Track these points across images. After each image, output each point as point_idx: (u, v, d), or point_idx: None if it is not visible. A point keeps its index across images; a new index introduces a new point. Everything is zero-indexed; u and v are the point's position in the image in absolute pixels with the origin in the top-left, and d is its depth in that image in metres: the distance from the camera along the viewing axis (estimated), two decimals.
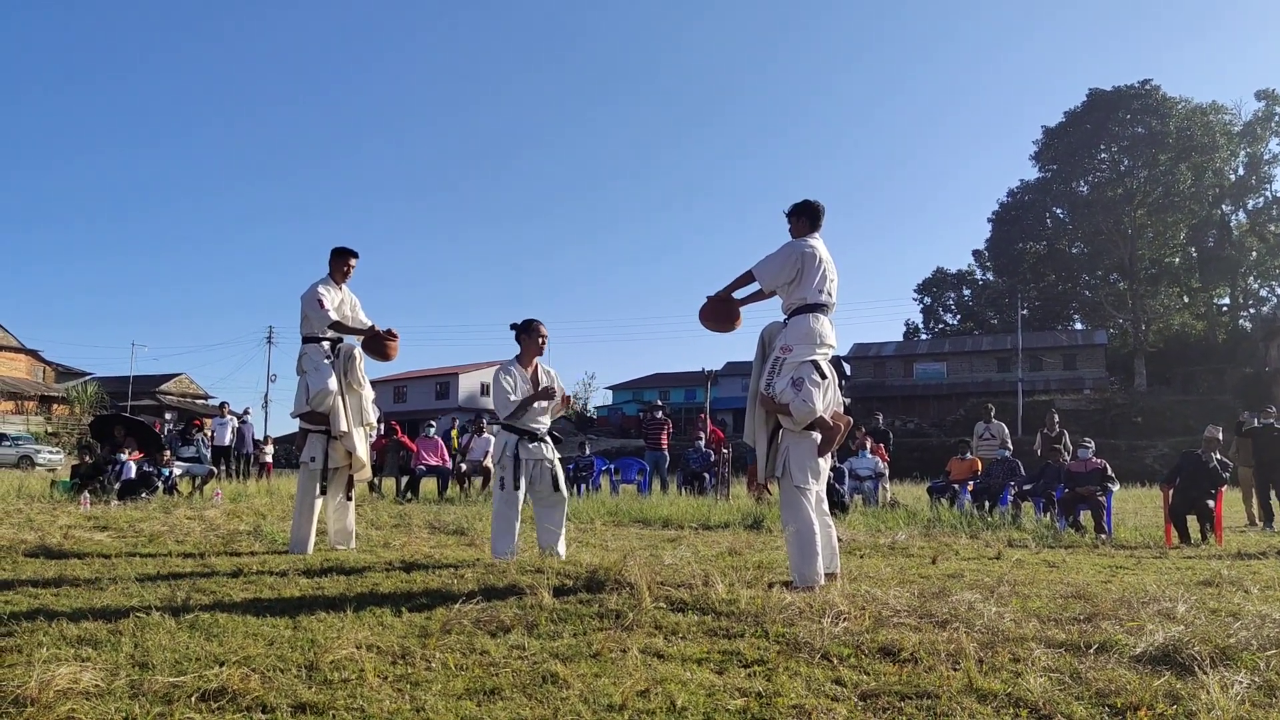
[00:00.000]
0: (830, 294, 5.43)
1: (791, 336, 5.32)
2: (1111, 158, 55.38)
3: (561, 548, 6.44)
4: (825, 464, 5.45)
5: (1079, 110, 55.59)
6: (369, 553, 6.69)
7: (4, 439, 37.06)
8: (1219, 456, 10.21)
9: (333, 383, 6.64)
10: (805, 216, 5.54)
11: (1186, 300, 60.32)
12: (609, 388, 69.24)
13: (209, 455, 14.55)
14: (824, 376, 5.29)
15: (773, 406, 5.32)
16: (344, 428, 6.69)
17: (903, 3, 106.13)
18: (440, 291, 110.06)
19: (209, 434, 16.42)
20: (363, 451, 6.88)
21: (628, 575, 4.89)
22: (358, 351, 6.88)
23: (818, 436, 5.29)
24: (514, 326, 6.61)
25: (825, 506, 5.49)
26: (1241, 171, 57.82)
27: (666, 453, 16.64)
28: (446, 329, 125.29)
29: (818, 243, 5.46)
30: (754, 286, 5.57)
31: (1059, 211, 59.18)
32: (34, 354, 57.20)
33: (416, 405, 59.99)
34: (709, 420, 17.09)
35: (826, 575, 5.25)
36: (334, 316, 6.74)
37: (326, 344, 6.81)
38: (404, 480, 14.35)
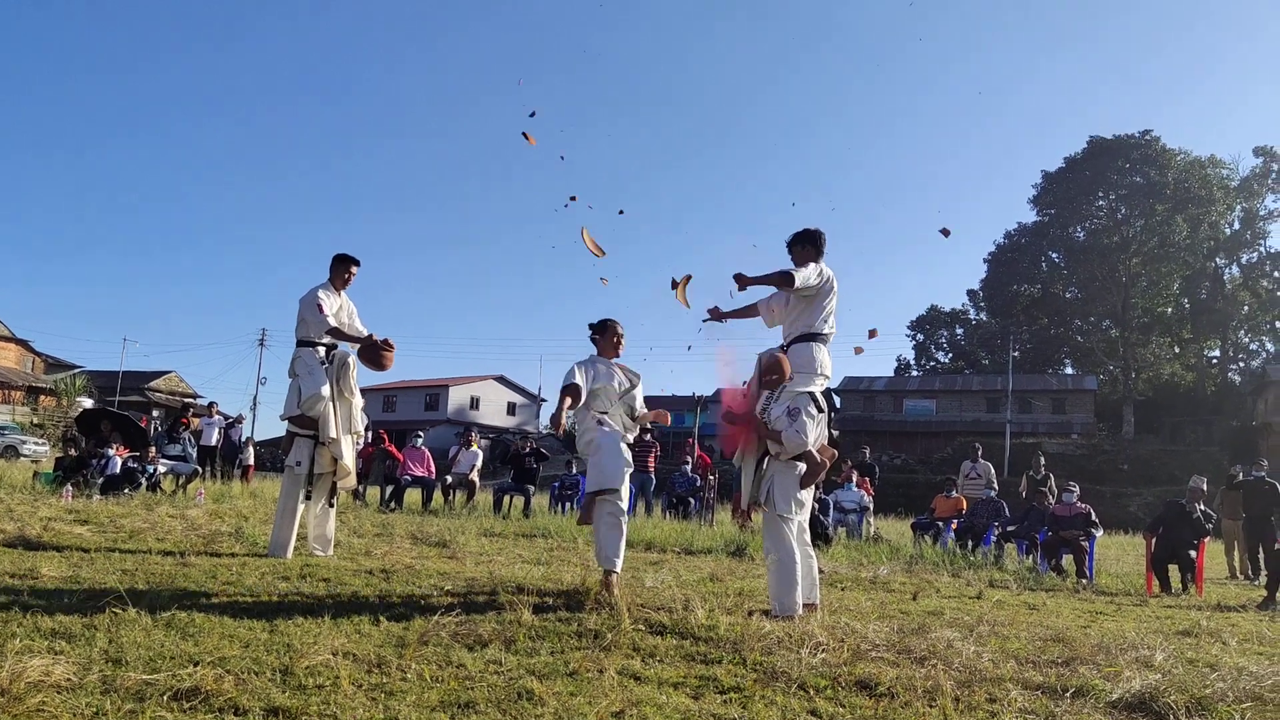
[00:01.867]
0: (833, 325, 5.45)
1: (793, 364, 5.31)
2: (1109, 205, 55.80)
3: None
4: (809, 495, 5.44)
5: (1079, 157, 56.04)
6: (349, 560, 6.66)
7: None
8: (1202, 507, 10.25)
9: (325, 389, 6.63)
10: (810, 244, 5.50)
11: (1177, 351, 60.68)
12: None
13: (195, 454, 14.47)
14: (820, 410, 5.30)
15: (765, 432, 5.32)
16: (333, 434, 6.67)
17: (906, 42, 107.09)
18: (433, 303, 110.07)
19: (194, 432, 16.34)
20: (349, 458, 6.85)
21: (609, 596, 4.88)
22: (352, 359, 6.87)
23: (803, 468, 5.29)
24: (591, 327, 6.00)
25: (807, 537, 5.47)
26: (1237, 226, 58.30)
27: (653, 475, 16.61)
28: (438, 340, 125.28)
29: (829, 271, 5.46)
30: (752, 297, 5.56)
31: (1055, 256, 59.54)
32: (24, 344, 56.86)
33: (405, 415, 59.79)
34: (696, 445, 17.09)
35: (806, 606, 5.24)
36: (332, 322, 6.73)
37: (322, 349, 6.80)
38: (389, 489, 14.29)
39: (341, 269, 7.00)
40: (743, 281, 5.24)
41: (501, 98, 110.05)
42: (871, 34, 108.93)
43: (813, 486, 5.42)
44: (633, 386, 5.85)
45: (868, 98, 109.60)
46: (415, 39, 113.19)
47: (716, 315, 5.76)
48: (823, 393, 5.39)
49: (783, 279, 5.20)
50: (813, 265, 5.33)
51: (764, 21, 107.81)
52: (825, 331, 5.39)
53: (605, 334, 5.90)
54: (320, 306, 6.69)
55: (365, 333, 6.97)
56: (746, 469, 5.53)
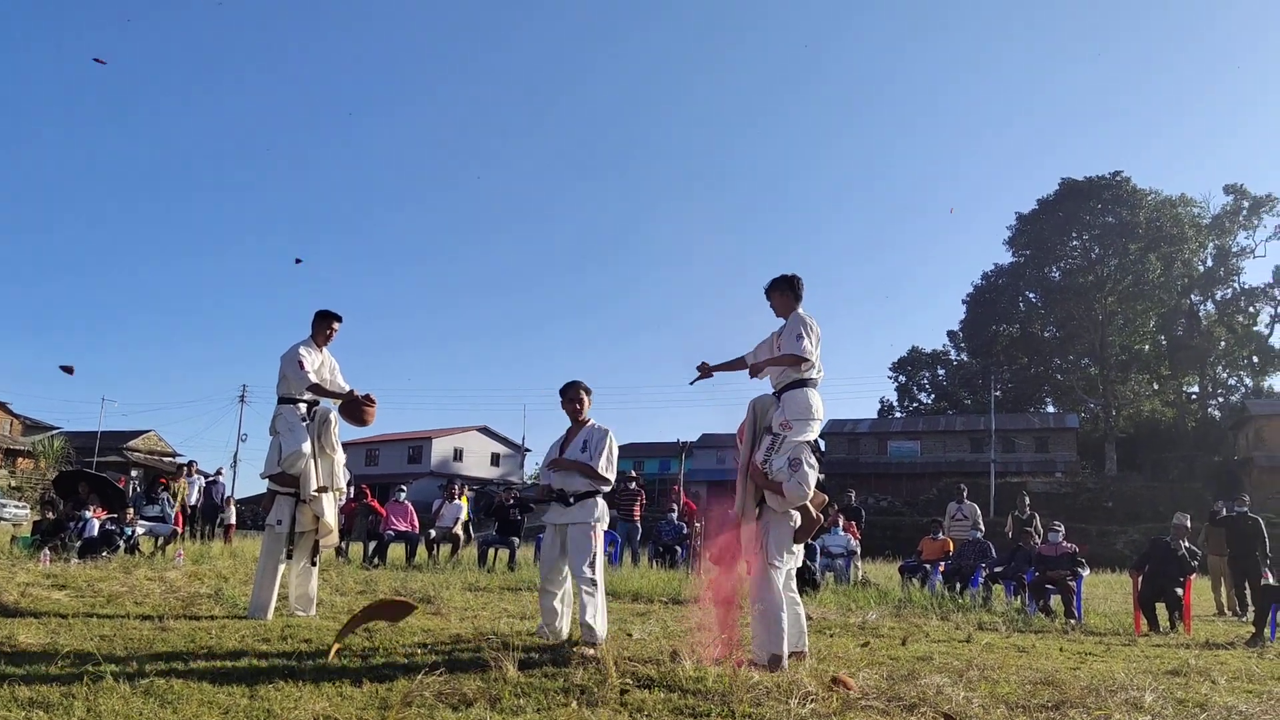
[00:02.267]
0: (821, 369, 5.48)
1: (791, 411, 5.33)
2: (1083, 245, 56.54)
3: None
4: (799, 546, 5.45)
5: (1051, 198, 56.85)
6: (332, 619, 6.57)
7: None
8: (1187, 544, 10.27)
9: (306, 445, 6.59)
10: (790, 291, 5.58)
11: (1156, 387, 61.19)
12: None
13: (173, 514, 14.30)
14: (819, 459, 5.33)
15: (765, 483, 5.30)
16: (314, 491, 6.62)
17: (882, 85, 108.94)
18: (415, 356, 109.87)
19: (177, 492, 16.16)
20: (330, 516, 6.79)
21: (594, 650, 4.83)
22: (334, 415, 6.85)
23: (797, 519, 5.29)
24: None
25: (794, 585, 5.46)
26: (1210, 263, 59.15)
27: (639, 524, 16.52)
28: (420, 392, 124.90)
29: (811, 316, 5.52)
30: (739, 350, 5.60)
31: (1032, 295, 60.22)
32: (1, 406, 56.32)
33: (388, 469, 59.39)
34: (682, 492, 17.04)
35: (794, 654, 5.20)
36: (313, 379, 6.71)
37: (303, 406, 6.77)
38: (371, 545, 14.14)
39: (323, 325, 6.99)
40: (755, 370, 5.50)
41: (477, 160, 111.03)
42: (843, 87, 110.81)
43: (806, 540, 5.43)
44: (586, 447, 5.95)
45: (846, 147, 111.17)
46: (401, 102, 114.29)
47: (705, 371, 5.80)
48: (819, 439, 5.44)
49: (795, 361, 5.35)
50: (806, 334, 5.38)
51: (727, 86, 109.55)
52: (814, 376, 5.44)
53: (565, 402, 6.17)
54: (301, 363, 6.68)
55: (347, 388, 6.95)
56: (747, 521, 5.49)
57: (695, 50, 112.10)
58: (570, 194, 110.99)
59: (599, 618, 5.65)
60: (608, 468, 5.88)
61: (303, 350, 6.77)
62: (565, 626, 5.96)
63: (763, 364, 5.46)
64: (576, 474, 5.88)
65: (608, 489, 5.92)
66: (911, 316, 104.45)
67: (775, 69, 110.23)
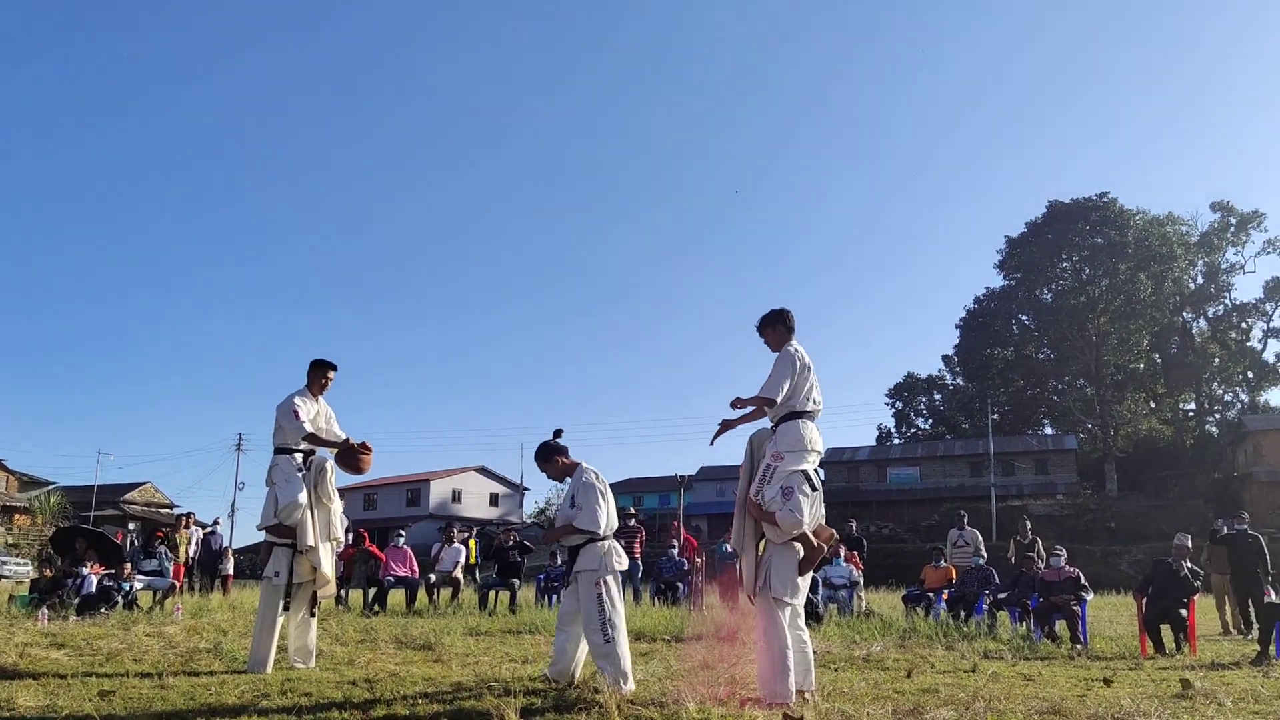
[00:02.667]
0: (816, 400, 5.49)
1: (783, 443, 5.34)
2: (1073, 267, 56.85)
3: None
4: (805, 581, 5.41)
5: (1039, 221, 57.23)
6: (332, 671, 6.53)
7: None
8: (1189, 565, 10.24)
9: (303, 496, 6.57)
10: (781, 325, 5.63)
11: (1153, 405, 61.25)
12: None
13: (170, 568, 14.21)
14: (814, 489, 5.31)
15: (759, 514, 5.30)
16: (310, 541, 6.59)
17: (874, 114, 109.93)
18: (410, 396, 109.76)
19: (177, 544, 16.05)
20: (328, 567, 6.76)
21: (597, 696, 4.80)
22: (330, 464, 6.83)
23: (801, 551, 5.26)
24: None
25: (801, 621, 5.43)
26: (1200, 280, 59.51)
27: (639, 561, 16.42)
28: (417, 435, 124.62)
29: (800, 347, 5.55)
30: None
31: (1025, 318, 60.45)
32: None
33: (387, 513, 59.11)
34: (682, 527, 16.95)
35: (799, 692, 5.15)
36: (309, 428, 6.70)
37: (299, 456, 6.76)
38: (371, 592, 14.05)
39: (319, 374, 7.00)
40: (727, 425, 5.55)
41: (464, 173, 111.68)
42: (842, 119, 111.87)
43: (810, 572, 5.40)
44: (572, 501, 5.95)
45: (846, 173, 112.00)
46: (385, 126, 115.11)
47: (726, 427, 5.72)
48: (815, 470, 5.41)
49: (764, 403, 5.39)
50: (779, 374, 5.41)
51: (697, 90, 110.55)
52: (810, 408, 5.45)
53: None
54: (297, 413, 6.68)
55: (343, 437, 6.95)
56: (749, 552, 5.50)
57: (664, 64, 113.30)
58: (547, 218, 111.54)
59: (613, 663, 5.51)
60: (591, 518, 5.77)
61: (298, 400, 6.77)
62: (577, 669, 5.88)
63: (747, 401, 5.42)
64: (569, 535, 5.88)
65: (600, 533, 5.81)
66: (906, 342, 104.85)
67: (787, 109, 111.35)
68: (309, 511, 6.62)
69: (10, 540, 43.35)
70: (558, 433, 6.24)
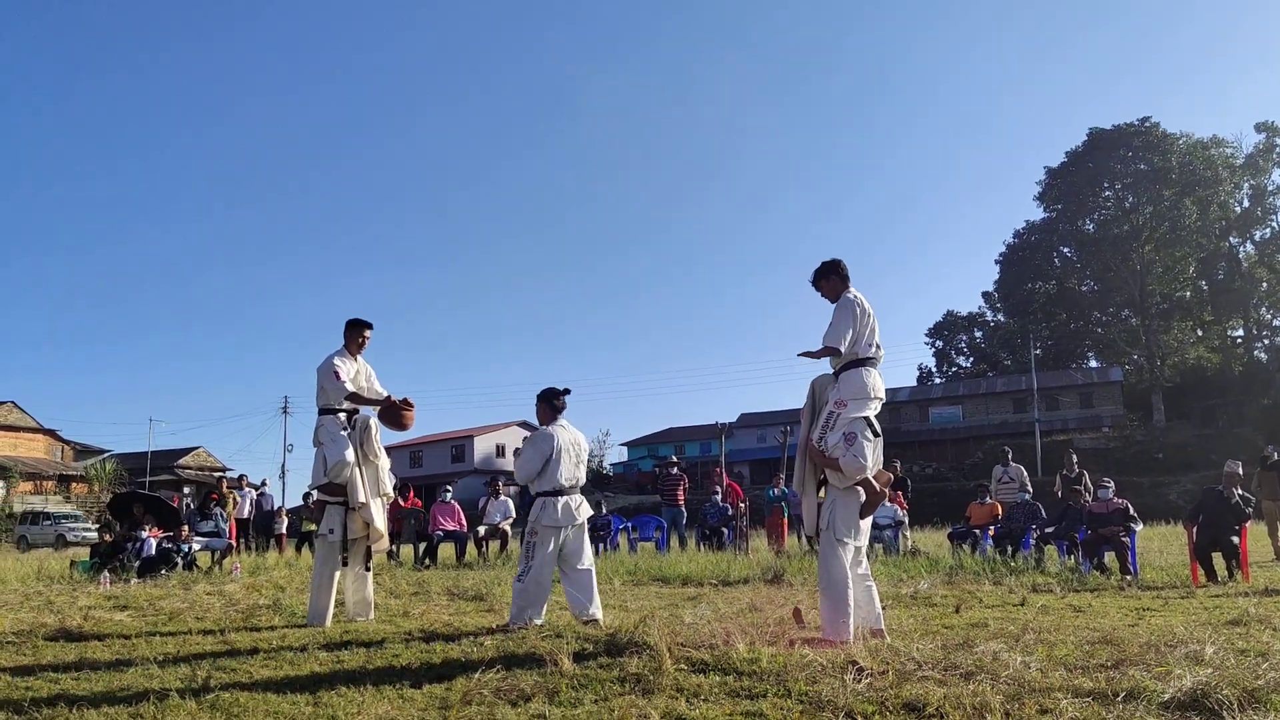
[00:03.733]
0: (878, 345, 5.52)
1: (845, 390, 5.39)
2: (1116, 195, 55.63)
3: (597, 612, 6.40)
4: (867, 524, 5.49)
5: (1080, 150, 55.96)
6: (388, 623, 6.67)
7: (45, 517, 37.48)
8: (1240, 492, 10.11)
9: (350, 454, 6.68)
10: (834, 275, 5.64)
11: (1200, 334, 60.10)
12: (623, 444, 69.27)
13: (226, 528, 14.54)
14: (876, 435, 5.38)
15: (822, 460, 5.40)
16: (361, 498, 6.71)
17: (902, 50, 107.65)
18: (453, 353, 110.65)
19: (230, 507, 16.40)
20: (380, 522, 6.89)
21: (648, 637, 4.86)
22: (373, 422, 6.93)
23: (863, 495, 5.31)
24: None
25: (867, 565, 5.50)
26: (1246, 203, 57.90)
27: (683, 508, 16.53)
28: (461, 391, 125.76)
29: (859, 295, 5.55)
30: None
31: (1066, 250, 59.32)
32: (52, 433, 57.58)
33: (433, 469, 59.94)
34: (725, 474, 17.01)
35: (872, 631, 5.23)
36: (350, 388, 6.79)
37: (343, 415, 6.85)
38: (422, 546, 14.30)
39: (355, 334, 7.07)
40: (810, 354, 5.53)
41: (507, 148, 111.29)
42: (864, 54, 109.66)
43: (872, 515, 5.47)
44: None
45: (866, 117, 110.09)
46: (427, 100, 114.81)
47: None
48: (876, 417, 5.46)
49: (830, 353, 5.43)
50: (841, 322, 5.41)
51: (756, 55, 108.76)
52: (871, 355, 5.48)
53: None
54: (337, 373, 6.76)
55: (384, 394, 7.03)
56: (810, 494, 5.58)
57: (721, 29, 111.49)
58: (596, 183, 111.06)
59: (515, 600, 6.29)
60: (519, 468, 6.54)
61: (337, 360, 6.85)
62: (595, 608, 6.37)
63: (814, 354, 5.50)
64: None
65: (519, 482, 6.71)
66: (943, 280, 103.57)
67: (796, 42, 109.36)
68: (358, 469, 6.73)
69: (69, 509, 44.57)
70: (565, 390, 6.67)
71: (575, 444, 6.55)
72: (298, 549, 16.13)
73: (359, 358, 7.09)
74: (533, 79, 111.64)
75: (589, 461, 6.97)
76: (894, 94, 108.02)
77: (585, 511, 6.51)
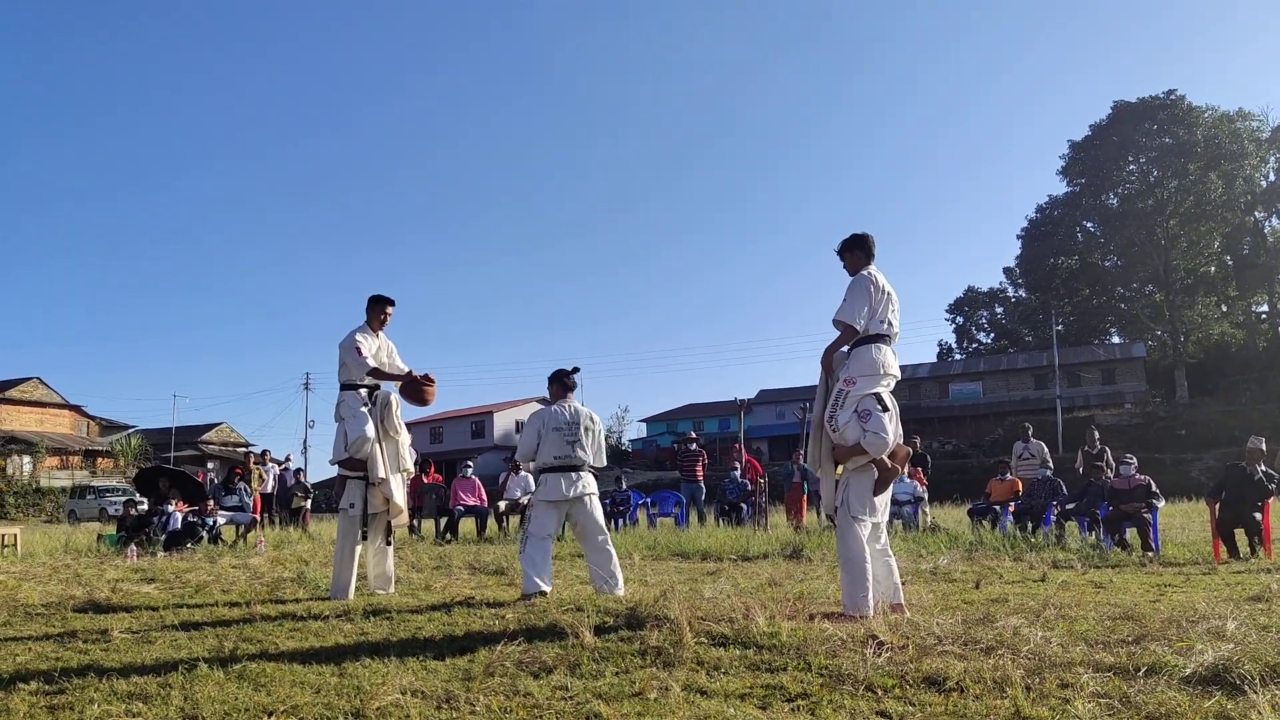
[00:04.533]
0: (892, 323, 5.47)
1: (855, 368, 5.36)
2: (1140, 169, 54.96)
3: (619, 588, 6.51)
4: (885, 499, 5.47)
5: (1104, 123, 55.24)
6: (410, 596, 6.74)
7: (90, 491, 38.00)
8: (1264, 468, 10.04)
9: (370, 430, 6.73)
10: (859, 250, 5.60)
11: (1225, 309, 59.44)
12: (642, 420, 69.42)
13: (251, 503, 14.70)
14: (887, 408, 5.33)
15: (843, 455, 5.37)
16: (382, 474, 6.77)
17: (921, 29, 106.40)
18: (472, 330, 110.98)
19: (255, 482, 16.56)
20: (400, 498, 6.94)
21: (668, 611, 4.89)
22: (394, 397, 6.97)
23: (875, 472, 5.30)
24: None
25: (885, 540, 5.50)
26: (1272, 177, 57.11)
27: (702, 484, 16.59)
28: (479, 367, 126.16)
29: (877, 272, 5.51)
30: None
31: (1090, 225, 58.67)
32: (78, 409, 58.17)
33: (453, 445, 60.28)
34: (744, 450, 17.04)
35: (892, 606, 5.24)
36: (372, 363, 6.84)
37: (364, 391, 6.90)
38: (443, 521, 14.42)
39: (378, 310, 7.11)
40: (827, 361, 5.56)
41: (519, 118, 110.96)
42: (863, 27, 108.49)
43: (888, 491, 5.45)
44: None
45: (881, 92, 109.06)
46: (436, 69, 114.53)
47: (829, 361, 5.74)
48: (890, 392, 5.42)
49: (845, 329, 5.40)
50: (853, 299, 5.38)
51: (754, 20, 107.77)
52: (885, 332, 5.43)
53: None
54: (359, 349, 6.80)
55: (406, 370, 7.07)
56: (827, 471, 5.57)
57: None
58: (605, 152, 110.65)
59: (524, 568, 6.51)
60: (520, 446, 6.90)
61: (359, 336, 6.89)
62: (616, 582, 6.53)
63: (835, 347, 5.53)
64: None
65: (519, 460, 7.42)
66: (964, 256, 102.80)
67: (786, 18, 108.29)
68: (378, 445, 6.79)
69: (95, 483, 45.09)
70: (574, 369, 6.94)
71: (574, 421, 6.66)
72: (284, 524, 16.37)
73: (381, 334, 7.13)
74: (538, 41, 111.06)
75: (607, 438, 7.11)
76: (911, 63, 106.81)
77: (586, 487, 6.62)
